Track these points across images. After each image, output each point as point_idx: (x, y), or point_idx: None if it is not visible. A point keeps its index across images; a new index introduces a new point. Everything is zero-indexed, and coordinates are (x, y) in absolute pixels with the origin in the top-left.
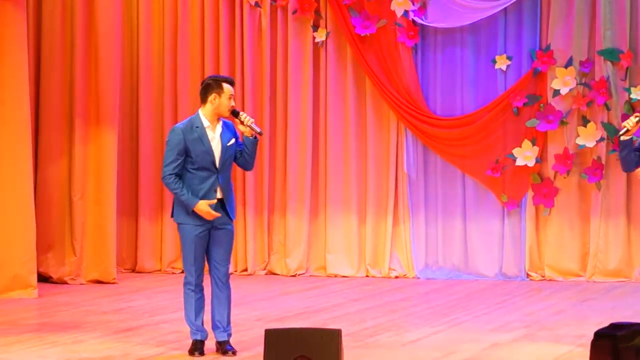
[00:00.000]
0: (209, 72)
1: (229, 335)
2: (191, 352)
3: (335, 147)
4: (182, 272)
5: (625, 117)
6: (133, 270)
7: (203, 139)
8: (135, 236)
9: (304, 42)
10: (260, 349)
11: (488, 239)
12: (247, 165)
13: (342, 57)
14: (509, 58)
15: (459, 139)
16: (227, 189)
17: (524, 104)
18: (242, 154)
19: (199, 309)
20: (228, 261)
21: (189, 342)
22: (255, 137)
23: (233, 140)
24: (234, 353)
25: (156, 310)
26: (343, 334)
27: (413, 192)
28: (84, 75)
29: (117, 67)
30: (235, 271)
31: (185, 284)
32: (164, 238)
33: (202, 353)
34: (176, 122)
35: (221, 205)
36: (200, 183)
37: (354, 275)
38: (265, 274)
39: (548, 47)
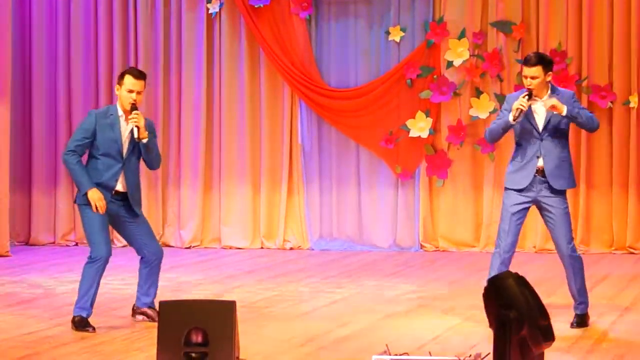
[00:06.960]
0: (101, 45)
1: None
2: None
3: (229, 118)
4: (76, 244)
5: (517, 88)
6: (27, 243)
7: (114, 126)
8: (28, 209)
9: (198, 12)
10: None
11: (382, 210)
12: (148, 164)
13: (235, 29)
14: (402, 30)
15: (352, 111)
16: (133, 184)
17: (418, 76)
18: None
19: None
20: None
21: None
22: (142, 141)
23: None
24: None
25: (50, 283)
26: (238, 305)
27: (307, 164)
28: None
29: (7, 40)
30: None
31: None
32: (58, 211)
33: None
34: (69, 94)
35: (124, 200)
36: (103, 169)
37: (248, 247)
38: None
39: (441, 18)
